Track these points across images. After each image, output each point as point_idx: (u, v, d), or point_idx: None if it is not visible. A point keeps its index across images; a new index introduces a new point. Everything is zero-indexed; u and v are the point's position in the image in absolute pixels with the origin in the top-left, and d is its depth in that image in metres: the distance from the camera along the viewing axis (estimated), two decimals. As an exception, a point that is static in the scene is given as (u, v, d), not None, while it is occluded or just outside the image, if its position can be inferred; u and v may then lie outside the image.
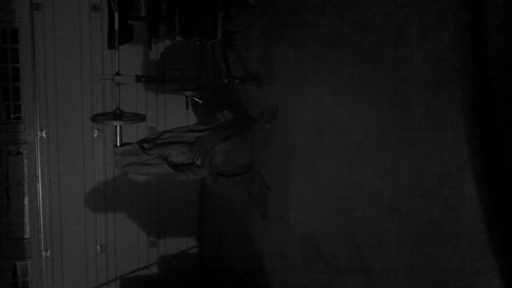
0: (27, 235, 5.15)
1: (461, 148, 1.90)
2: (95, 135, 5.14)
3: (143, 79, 3.82)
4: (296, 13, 3.19)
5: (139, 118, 3.59)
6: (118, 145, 3.51)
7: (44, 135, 4.98)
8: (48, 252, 5.16)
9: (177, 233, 5.64)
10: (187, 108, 4.86)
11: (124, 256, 5.44)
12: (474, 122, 1.86)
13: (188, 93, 4.61)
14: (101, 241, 5.34)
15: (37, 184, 5.05)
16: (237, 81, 3.94)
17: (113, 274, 5.44)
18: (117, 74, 3.54)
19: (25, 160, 5.03)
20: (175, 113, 5.36)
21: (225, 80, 4.01)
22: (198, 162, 3.79)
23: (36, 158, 5.01)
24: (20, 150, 5.02)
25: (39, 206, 5.08)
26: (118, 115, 3.51)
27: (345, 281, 2.80)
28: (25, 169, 5.04)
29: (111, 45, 3.67)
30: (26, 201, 5.10)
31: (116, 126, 3.49)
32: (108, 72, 4.95)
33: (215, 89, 4.92)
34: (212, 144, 3.72)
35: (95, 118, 3.62)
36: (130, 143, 3.54)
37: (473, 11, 1.85)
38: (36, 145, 4.99)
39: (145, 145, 3.60)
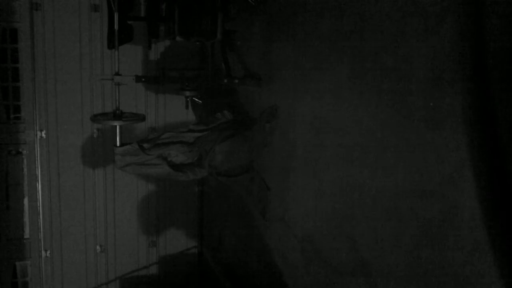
0: (26, 235, 5.15)
1: (461, 148, 1.90)
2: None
3: (143, 79, 3.83)
4: (296, 13, 3.19)
5: (139, 118, 3.59)
6: (118, 145, 3.51)
7: (43, 135, 4.98)
8: (48, 252, 5.15)
9: (177, 233, 5.64)
10: (187, 108, 4.86)
11: (124, 256, 5.44)
12: (474, 122, 1.86)
13: (188, 93, 4.61)
14: (101, 241, 5.34)
15: (37, 184, 5.05)
16: (237, 81, 3.94)
17: (113, 274, 5.44)
18: (117, 74, 3.55)
19: (25, 160, 5.03)
20: (175, 113, 5.36)
21: (225, 80, 4.01)
22: (198, 162, 3.79)
23: (36, 158, 5.01)
24: (20, 150, 5.03)
25: (39, 206, 5.07)
26: (118, 115, 3.52)
27: (345, 281, 2.79)
28: (25, 169, 5.04)
29: (111, 45, 3.68)
30: (26, 201, 5.10)
31: (116, 126, 3.49)
32: (108, 72, 4.95)
33: (215, 89, 4.92)
34: (212, 144, 3.72)
35: (95, 118, 3.62)
36: (130, 143, 3.54)
37: (473, 11, 1.85)
38: (35, 145, 4.98)
39: (145, 145, 3.61)
